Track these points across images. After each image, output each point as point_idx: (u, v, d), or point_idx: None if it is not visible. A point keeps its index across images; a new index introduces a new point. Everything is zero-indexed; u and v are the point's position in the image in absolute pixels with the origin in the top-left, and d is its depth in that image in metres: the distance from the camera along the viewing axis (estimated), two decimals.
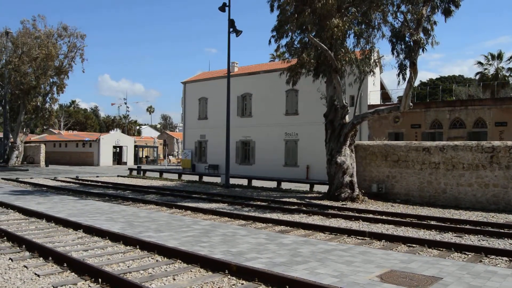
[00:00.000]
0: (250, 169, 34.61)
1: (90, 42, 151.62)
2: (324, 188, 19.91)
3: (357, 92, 19.27)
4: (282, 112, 34.07)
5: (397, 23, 16.63)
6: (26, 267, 6.69)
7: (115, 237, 8.73)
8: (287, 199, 16.82)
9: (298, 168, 32.60)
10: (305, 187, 22.56)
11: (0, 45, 44.91)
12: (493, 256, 8.02)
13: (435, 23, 16.35)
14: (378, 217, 12.71)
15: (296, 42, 18.92)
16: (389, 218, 12.69)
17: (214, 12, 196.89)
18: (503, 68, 45.25)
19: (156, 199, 16.76)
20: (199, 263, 6.82)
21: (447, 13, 15.82)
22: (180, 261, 7.07)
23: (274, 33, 18.62)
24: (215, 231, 9.63)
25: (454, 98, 38.79)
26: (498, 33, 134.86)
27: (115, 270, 6.49)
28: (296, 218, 12.55)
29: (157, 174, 31.93)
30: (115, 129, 77.03)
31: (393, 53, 16.50)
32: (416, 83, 25.29)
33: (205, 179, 27.32)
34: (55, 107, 53.87)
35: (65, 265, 6.68)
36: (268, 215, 12.71)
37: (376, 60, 19.66)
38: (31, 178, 27.62)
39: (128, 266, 6.83)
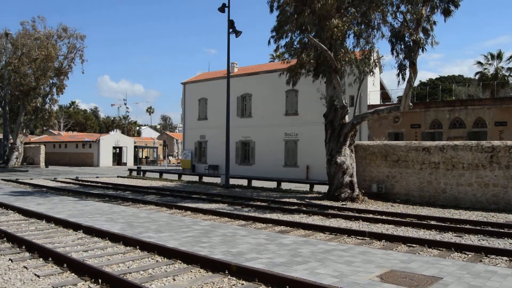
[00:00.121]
0: (250, 170, 34.61)
1: (89, 41, 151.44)
2: (324, 188, 19.91)
3: (356, 92, 19.28)
4: (282, 113, 34.08)
5: (396, 23, 16.64)
6: (26, 267, 6.69)
7: (115, 238, 8.73)
8: (287, 199, 16.82)
9: (298, 168, 32.61)
10: (305, 187, 22.55)
11: None
12: (493, 256, 8.02)
13: (434, 23, 16.35)
14: (378, 217, 12.71)
15: (295, 43, 18.92)
16: (389, 218, 12.69)
17: (214, 12, 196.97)
18: (502, 68, 45.34)
19: (156, 199, 16.75)
20: (199, 263, 6.82)
21: (446, 13, 15.84)
22: (180, 261, 7.07)
23: (274, 34, 18.63)
24: (215, 231, 9.63)
25: (454, 98, 38.77)
26: (497, 32, 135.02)
27: (115, 271, 6.49)
28: (296, 218, 12.55)
29: (157, 175, 31.93)
30: (115, 130, 76.98)
31: (392, 53, 16.51)
32: (416, 83, 25.28)
33: (205, 179, 27.32)
34: (55, 108, 53.81)
35: (65, 265, 6.68)
36: (268, 216, 12.70)
37: (376, 60, 19.66)
38: (31, 179, 27.60)
39: (128, 267, 6.83)
